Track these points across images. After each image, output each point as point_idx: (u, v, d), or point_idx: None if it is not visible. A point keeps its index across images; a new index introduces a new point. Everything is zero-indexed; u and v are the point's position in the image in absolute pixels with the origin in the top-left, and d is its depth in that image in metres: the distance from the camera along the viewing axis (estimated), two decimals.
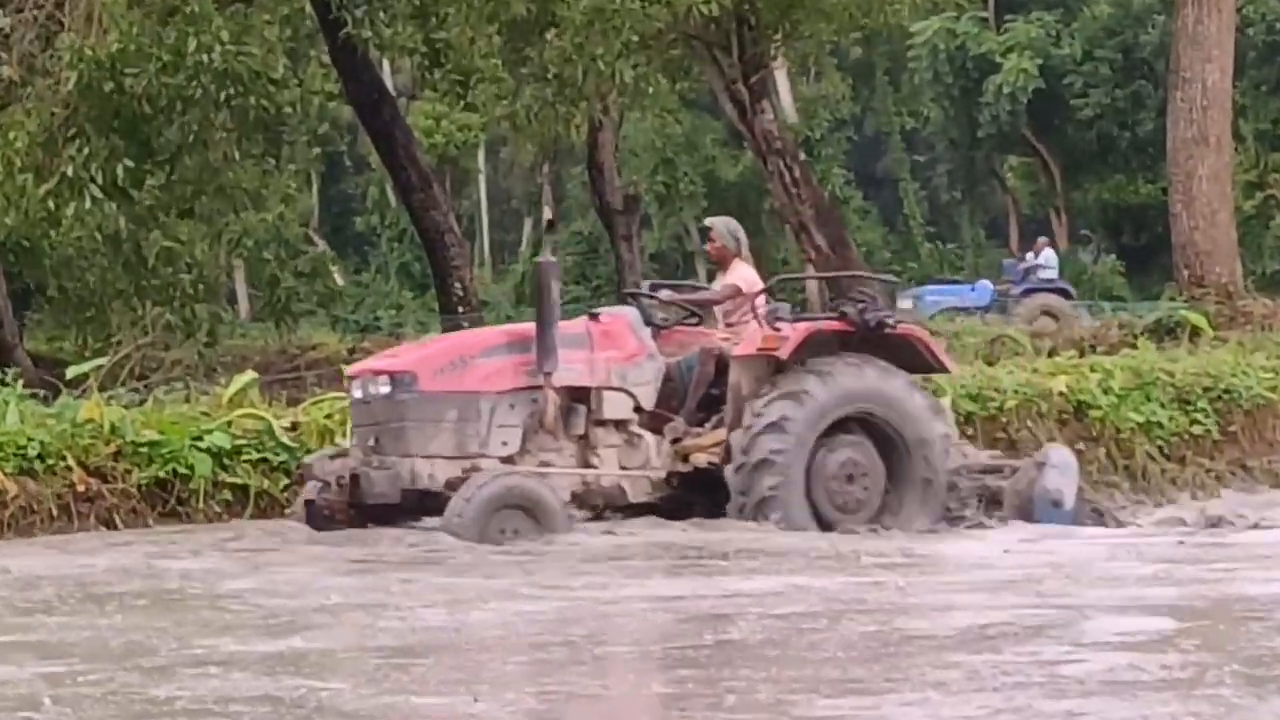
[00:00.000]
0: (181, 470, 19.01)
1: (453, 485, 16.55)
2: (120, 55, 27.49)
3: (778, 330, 17.29)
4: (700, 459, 17.15)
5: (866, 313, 17.47)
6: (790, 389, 16.89)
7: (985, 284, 51.91)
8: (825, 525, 16.73)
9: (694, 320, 18.57)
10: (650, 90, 34.76)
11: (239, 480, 19.13)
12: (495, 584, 14.55)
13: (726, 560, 15.54)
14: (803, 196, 33.94)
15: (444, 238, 33.44)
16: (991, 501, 17.57)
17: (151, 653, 11.62)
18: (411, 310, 50.41)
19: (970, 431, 22.23)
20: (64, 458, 19.04)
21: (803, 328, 17.38)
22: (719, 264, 18.88)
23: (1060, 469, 17.89)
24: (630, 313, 18.24)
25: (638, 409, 17.31)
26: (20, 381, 21.61)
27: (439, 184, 35.21)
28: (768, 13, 31.78)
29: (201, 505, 18.95)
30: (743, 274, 18.27)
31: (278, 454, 19.40)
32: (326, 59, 34.43)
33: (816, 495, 16.79)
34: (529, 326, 17.35)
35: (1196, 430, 23.97)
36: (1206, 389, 24.36)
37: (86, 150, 27.91)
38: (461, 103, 35.14)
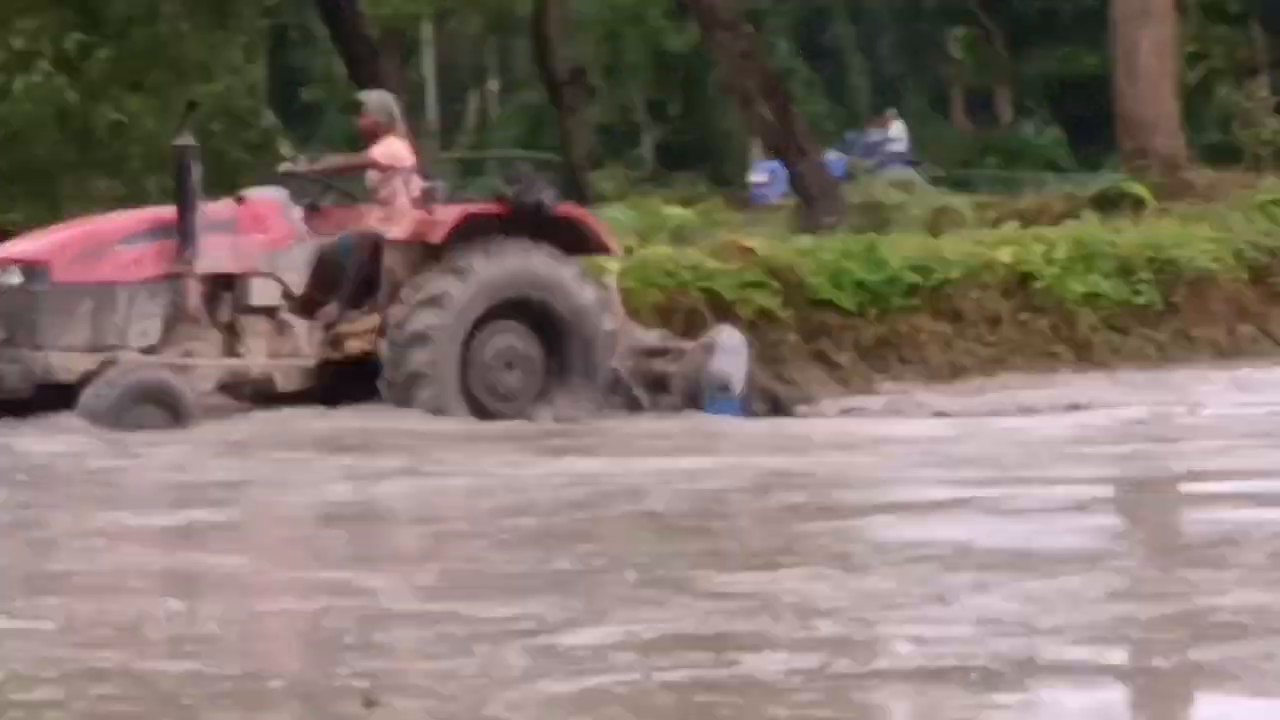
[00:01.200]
0: None
1: (87, 379, 16.60)
2: None
3: (430, 213, 17.58)
4: (354, 345, 17.33)
5: (525, 195, 17.63)
6: (447, 270, 17.09)
7: (833, 157, 50.20)
8: (482, 412, 17.05)
9: (345, 199, 18.70)
10: None
11: None
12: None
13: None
14: (748, 69, 34.23)
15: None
16: (659, 385, 17.92)
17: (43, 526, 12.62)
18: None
19: (916, 302, 23.62)
20: None
21: (456, 209, 17.65)
22: (371, 138, 18.48)
23: (729, 351, 18.17)
24: (279, 194, 18.21)
25: (287, 295, 17.45)
26: None
27: (386, 57, 35.60)
28: None
29: None
30: (391, 149, 18.18)
31: None
32: None
33: (473, 382, 17.08)
34: (170, 211, 17.23)
35: (1139, 301, 24.80)
36: (1149, 260, 25.23)
37: (36, 24, 28.56)
38: None
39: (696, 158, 61.26)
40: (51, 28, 28.75)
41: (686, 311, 22.46)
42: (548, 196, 17.84)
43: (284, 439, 16.32)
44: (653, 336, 19.12)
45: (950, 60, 73.82)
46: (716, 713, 6.99)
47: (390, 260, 17.44)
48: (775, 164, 51.96)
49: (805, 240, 26.25)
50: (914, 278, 24.09)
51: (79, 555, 11.64)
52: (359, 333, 17.43)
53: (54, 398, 16.55)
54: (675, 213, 31.36)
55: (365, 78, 34.33)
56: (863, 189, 39.49)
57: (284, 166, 20.33)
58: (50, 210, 29.03)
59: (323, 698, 7.59)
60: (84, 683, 7.52)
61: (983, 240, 26.77)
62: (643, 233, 27.01)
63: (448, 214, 17.54)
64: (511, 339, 17.45)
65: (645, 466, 14.84)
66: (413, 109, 36.69)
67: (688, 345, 18.59)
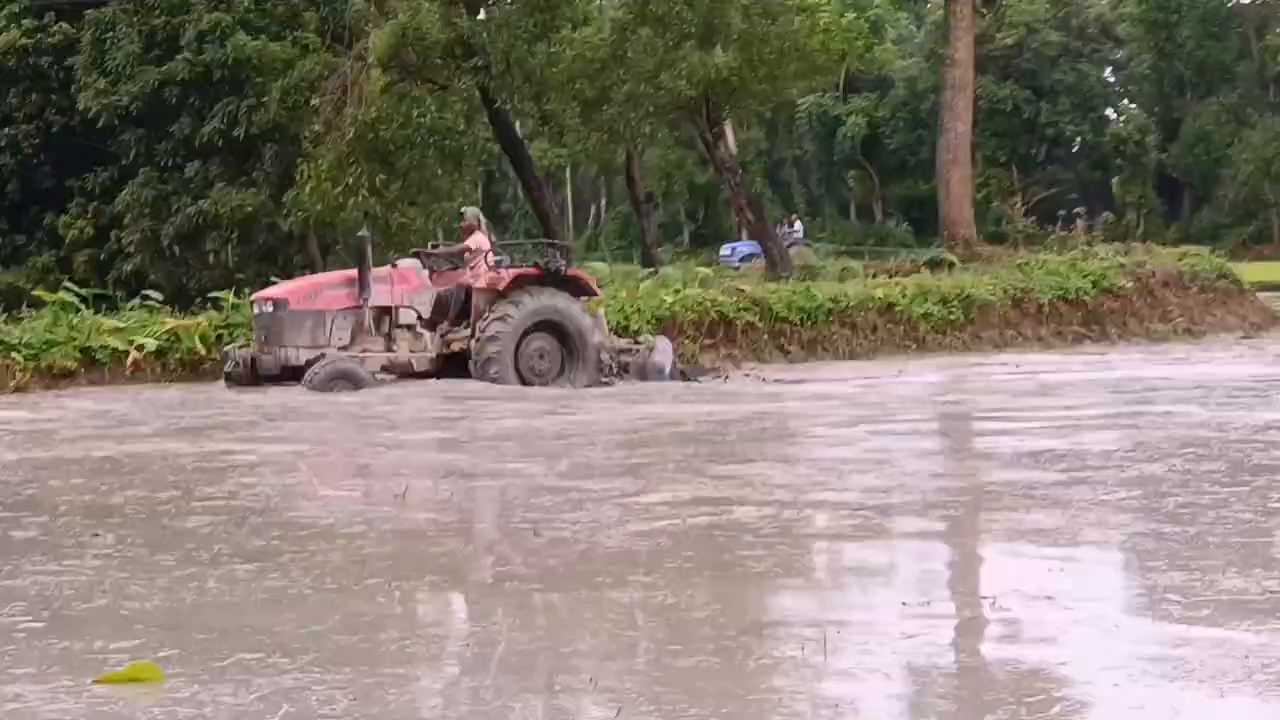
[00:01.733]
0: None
1: (308, 365, 20.16)
2: (377, 120, 35.12)
3: (498, 273, 20.96)
4: (456, 346, 20.90)
5: (550, 264, 21.39)
6: (506, 306, 20.59)
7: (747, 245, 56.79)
8: (526, 383, 20.46)
9: (453, 267, 22.01)
10: (659, 135, 41.90)
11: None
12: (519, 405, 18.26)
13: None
14: (740, 193, 41.47)
15: (549, 216, 39.18)
16: (624, 369, 21.60)
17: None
18: (532, 254, 55.38)
19: (832, 319, 28.31)
20: None
21: (512, 272, 20.99)
22: (467, 233, 22.27)
23: (662, 351, 22.06)
24: (415, 263, 21.99)
25: (419, 318, 21.02)
26: None
27: (546, 186, 41.31)
28: (721, 96, 37.62)
29: None
30: (477, 240, 21.76)
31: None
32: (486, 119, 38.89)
33: (521, 366, 20.58)
34: (354, 272, 21.08)
35: (952, 317, 29.91)
36: (957, 294, 30.22)
37: (359, 170, 35.61)
38: (559, 143, 41.72)
39: (712, 240, 73.45)
40: (367, 172, 35.50)
41: (708, 324, 27.46)
42: (563, 266, 21.42)
43: (435, 393, 19.97)
44: (622, 343, 22.54)
45: (848, 187, 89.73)
46: (717, 539, 8.96)
47: (476, 299, 20.90)
48: (734, 245, 57.88)
49: (771, 285, 30.94)
50: (831, 305, 29.01)
51: (371, 455, 14.08)
52: (459, 339, 20.92)
53: (290, 376, 20.34)
54: (701, 270, 35.64)
55: (535, 199, 40.21)
56: (802, 257, 45.52)
57: (418, 250, 24.28)
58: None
59: (509, 531, 9.70)
60: (374, 528, 9.75)
61: (866, 284, 31.69)
62: (685, 282, 31.04)
63: (508, 274, 20.93)
64: (543, 343, 20.80)
65: (678, 411, 17.75)
66: (560, 215, 42.57)
67: (640, 347, 22.39)
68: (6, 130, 49.99)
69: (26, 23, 50.01)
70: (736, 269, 47.50)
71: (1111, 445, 13.19)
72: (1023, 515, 9.46)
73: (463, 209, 24.82)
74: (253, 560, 8.37)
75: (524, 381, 20.46)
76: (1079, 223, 49.54)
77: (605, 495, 10.56)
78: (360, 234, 22.63)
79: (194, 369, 23.00)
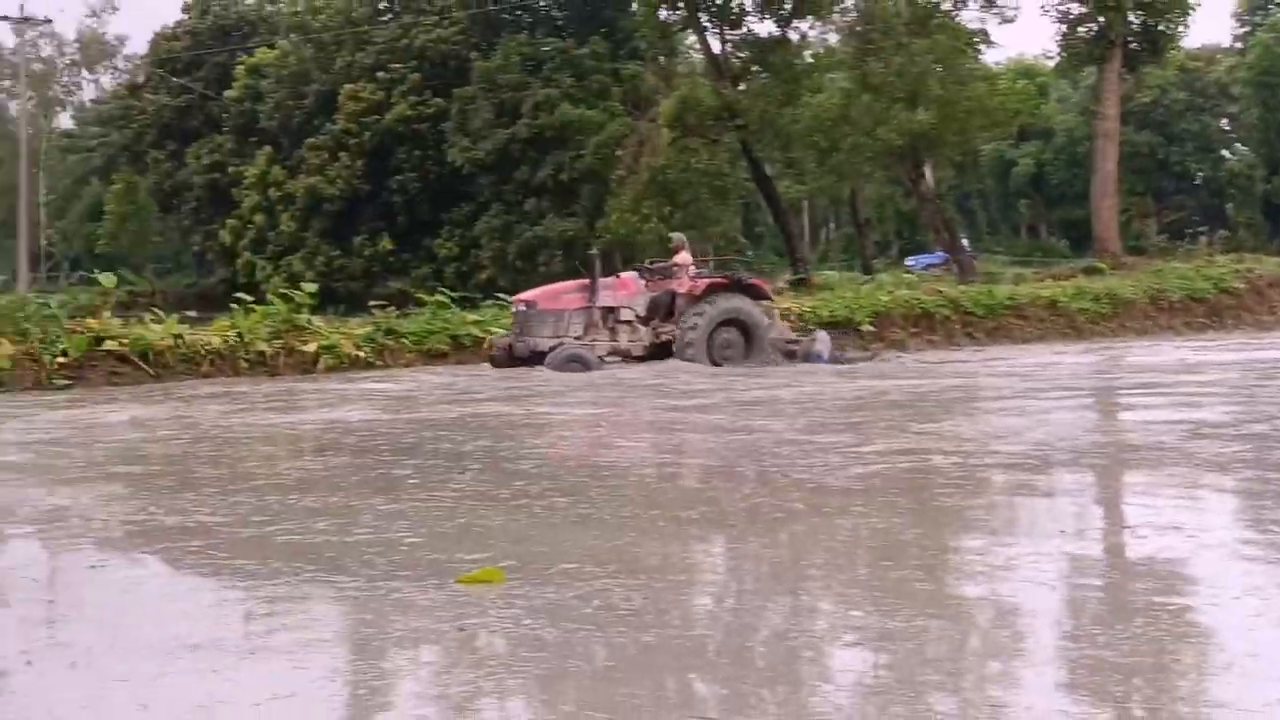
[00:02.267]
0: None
1: (549, 351, 20.00)
2: (664, 166, 35.96)
3: (696, 282, 20.67)
4: (665, 337, 20.56)
5: (735, 275, 21.21)
6: (702, 306, 20.25)
7: (939, 253, 54.04)
8: (715, 364, 19.91)
9: (663, 277, 21.60)
10: (875, 175, 41.74)
11: None
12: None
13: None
14: (937, 218, 41.48)
15: (792, 235, 39.31)
16: (790, 355, 20.97)
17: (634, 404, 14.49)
18: (779, 265, 52.06)
19: (1009, 313, 27.86)
20: None
21: (705, 282, 20.61)
22: (676, 251, 21.69)
23: (821, 342, 21.27)
24: (634, 274, 21.67)
25: (636, 316, 20.67)
26: None
27: (789, 213, 41.72)
28: (922, 146, 37.66)
29: None
30: (683, 257, 21.32)
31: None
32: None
33: (713, 351, 20.09)
34: (586, 280, 20.79)
35: (1102, 311, 29.34)
36: (1107, 294, 29.93)
37: (651, 203, 36.81)
38: (800, 181, 41.39)
39: (915, 254, 71.61)
40: (657, 207, 36.45)
41: (914, 317, 27.38)
42: (745, 277, 21.20)
43: (694, 370, 19.54)
44: (790, 334, 21.83)
45: (1020, 213, 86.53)
46: (918, 480, 8.71)
47: (679, 302, 20.65)
48: (916, 258, 56.67)
49: (962, 286, 31.05)
50: (1008, 302, 28.84)
51: (652, 416, 13.85)
52: (666, 331, 20.60)
53: (538, 359, 19.99)
54: (907, 277, 36.32)
55: (782, 223, 39.99)
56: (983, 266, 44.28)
57: (637, 265, 24.03)
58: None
59: (759, 473, 9.37)
60: (659, 470, 9.79)
61: (1035, 286, 31.39)
62: (895, 285, 31.16)
63: (703, 283, 20.71)
64: (729, 334, 20.31)
65: (885, 384, 16.53)
66: (800, 235, 42.65)
67: (804, 339, 21.64)
68: (397, 178, 51.60)
69: (411, 98, 51.34)
70: (915, 274, 46.00)
71: (1231, 411, 12.62)
72: (1156, 465, 9.08)
73: (671, 234, 23.99)
74: (568, 494, 8.35)
75: (714, 363, 20.03)
76: (1201, 239, 48.13)
77: (832, 446, 10.32)
78: (590, 253, 22.24)
79: None
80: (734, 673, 4.61)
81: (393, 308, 24.62)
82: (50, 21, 66.57)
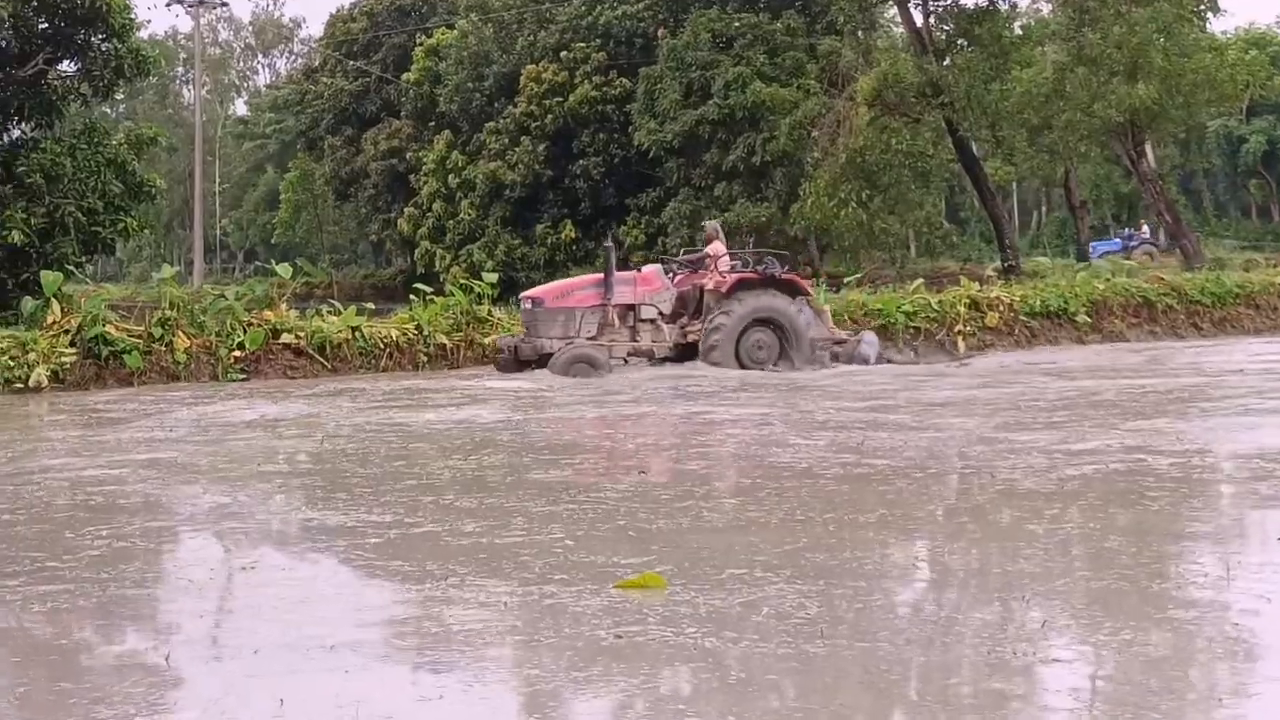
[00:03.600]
0: None
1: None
2: (863, 147, 35.16)
3: (724, 277, 19.89)
4: (692, 337, 19.87)
5: (767, 270, 20.28)
6: (730, 304, 19.52)
7: (1116, 240, 54.27)
8: (745, 369, 19.19)
9: (693, 270, 20.91)
10: (1091, 154, 40.24)
11: None
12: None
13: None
14: (1160, 200, 40.66)
15: (1000, 220, 38.18)
16: (835, 358, 20.30)
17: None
18: (986, 252, 54.07)
19: (1238, 301, 27.03)
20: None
21: (734, 277, 19.89)
22: (708, 242, 20.97)
23: (867, 343, 20.76)
24: (657, 267, 21.11)
25: (660, 314, 20.01)
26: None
27: (997, 197, 40.00)
28: (1143, 121, 37.25)
29: None
30: (715, 248, 20.62)
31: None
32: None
33: (742, 354, 19.41)
34: (600, 275, 20.15)
35: None
36: None
37: (849, 187, 35.88)
38: (1009, 161, 38.57)
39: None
40: (855, 190, 35.58)
41: (1134, 306, 26.45)
42: (778, 271, 20.32)
43: (880, 372, 19.51)
44: (839, 334, 21.04)
45: (1250, 194, 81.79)
46: (1126, 482, 8.49)
47: (707, 299, 19.92)
48: (1094, 244, 51.57)
49: (1187, 274, 29.97)
50: (1238, 290, 27.98)
51: (824, 416, 12.15)
52: (695, 331, 19.89)
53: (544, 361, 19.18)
54: (1124, 264, 33.48)
55: (989, 207, 38.71)
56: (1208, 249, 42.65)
57: (664, 258, 24.31)
58: (854, 265, 37.87)
59: (947, 474, 9.45)
60: (839, 470, 9.52)
61: (1268, 273, 30.95)
62: (1114, 272, 29.55)
63: (732, 278, 19.92)
64: (763, 335, 19.53)
65: (1095, 384, 15.00)
66: (1009, 220, 41.39)
67: (852, 338, 20.93)
68: (580, 162, 52.24)
69: (596, 79, 51.98)
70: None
71: None
72: None
73: (704, 222, 23.52)
74: (737, 495, 8.38)
75: (743, 367, 19.41)
76: None
77: (1030, 445, 10.22)
78: (605, 245, 21.61)
79: None
80: (910, 691, 4.58)
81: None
82: (226, 4, 68.67)
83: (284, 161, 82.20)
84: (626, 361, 19.58)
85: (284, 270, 22.64)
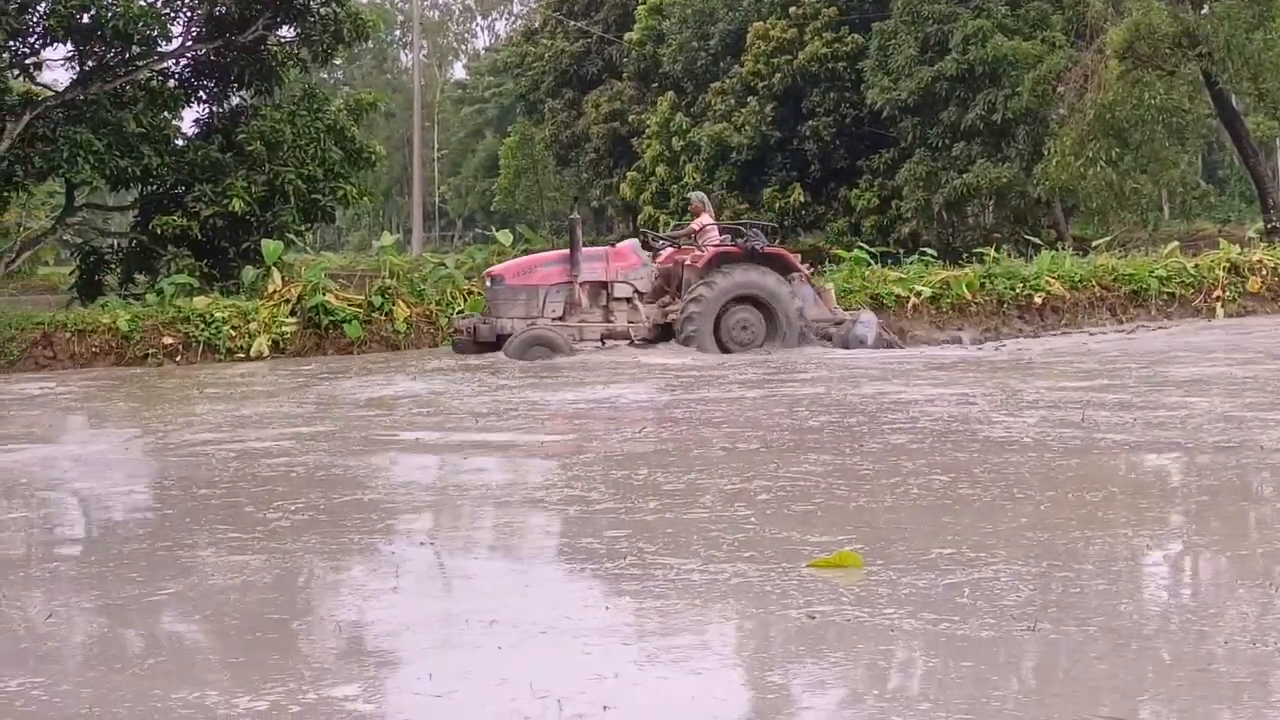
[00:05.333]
0: None
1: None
2: (1113, 102, 34.62)
3: (703, 252, 19.31)
4: (672, 317, 19.22)
5: (748, 243, 19.55)
6: (708, 280, 18.88)
7: None
8: (726, 351, 18.64)
9: (676, 246, 20.45)
10: None
11: None
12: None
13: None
14: (1260, 161, 37.76)
15: (1263, 180, 36.82)
16: (826, 338, 19.51)
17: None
18: (1247, 213, 50.07)
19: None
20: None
21: (711, 251, 19.28)
22: (695, 215, 20.51)
23: (865, 323, 19.91)
24: (634, 242, 20.64)
25: (637, 292, 19.49)
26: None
27: (1262, 155, 38.35)
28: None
29: None
30: (702, 220, 20.17)
31: None
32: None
33: (723, 336, 18.78)
34: (568, 251, 19.65)
35: None
36: None
37: (1097, 145, 34.88)
38: (1274, 116, 37.59)
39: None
40: (1104, 146, 34.99)
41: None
42: (760, 244, 19.53)
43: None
44: (842, 314, 20.19)
45: None
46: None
47: (686, 274, 19.40)
48: None
49: None
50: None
51: (1034, 395, 12.04)
52: (675, 311, 19.25)
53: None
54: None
55: (1251, 165, 37.53)
56: None
57: (642, 231, 23.03)
58: (1103, 227, 36.87)
59: (1194, 451, 9.06)
60: (1061, 446, 9.34)
61: None
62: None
63: (709, 253, 19.27)
64: (746, 314, 18.98)
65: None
66: (1273, 179, 37.12)
67: (849, 318, 20.06)
68: (810, 123, 51.97)
69: (826, 35, 51.63)
70: None
71: None
72: None
73: (689, 193, 23.01)
74: (946, 471, 8.27)
75: (725, 349, 18.83)
76: None
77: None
78: (571, 217, 21.13)
79: (961, 311, 22.70)
80: (1124, 683, 4.48)
81: (808, 265, 24.51)
82: None
83: (503, 126, 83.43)
84: (604, 344, 19.12)
85: (504, 237, 23.26)
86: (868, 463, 8.74)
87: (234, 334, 20.00)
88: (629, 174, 60.09)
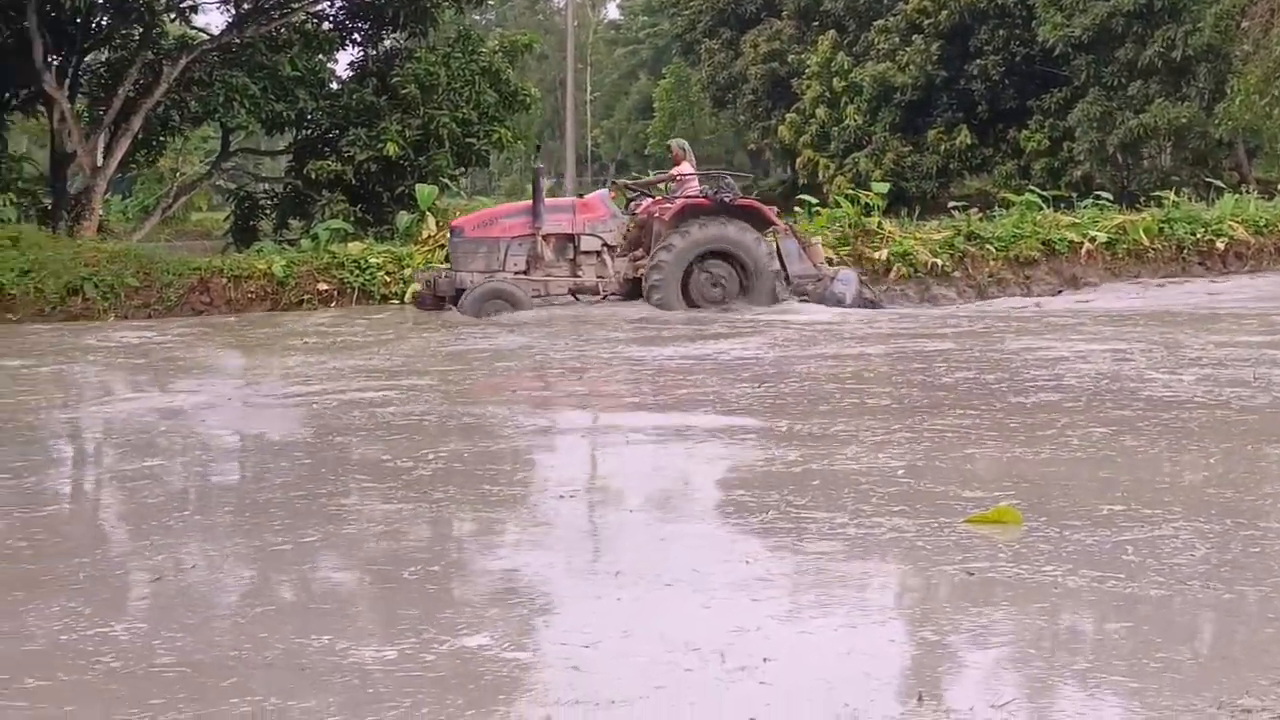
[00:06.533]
0: None
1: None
2: None
3: (670, 204, 18.97)
4: (641, 272, 18.84)
5: (719, 194, 19.01)
6: (676, 233, 18.46)
7: None
8: (695, 308, 18.27)
9: (647, 196, 20.18)
10: None
11: None
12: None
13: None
14: None
15: None
16: (802, 295, 18.88)
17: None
18: None
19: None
20: None
21: (680, 203, 18.87)
22: (675, 163, 19.97)
23: (843, 280, 19.30)
24: (602, 193, 20.33)
25: (606, 245, 19.05)
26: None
27: None
28: None
29: None
30: (681, 169, 19.70)
31: None
32: None
33: (692, 292, 18.36)
34: (529, 203, 19.33)
35: None
36: None
37: None
38: None
39: None
40: None
41: None
42: (730, 195, 19.02)
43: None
44: (829, 271, 19.58)
45: None
46: None
47: (657, 227, 18.91)
48: None
49: None
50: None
51: (1205, 348, 11.94)
52: (645, 264, 18.83)
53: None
54: None
55: None
56: None
57: (619, 181, 23.35)
58: None
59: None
60: (1233, 403, 9.27)
61: None
62: None
63: (677, 204, 18.87)
64: (719, 269, 18.54)
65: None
66: None
67: (828, 272, 19.44)
68: (977, 61, 51.36)
69: None
70: None
71: None
72: None
73: (669, 141, 22.02)
74: (1107, 425, 8.16)
75: (694, 306, 18.32)
76: None
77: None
78: (534, 165, 20.85)
79: (1139, 258, 22.21)
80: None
81: (974, 209, 24.29)
82: None
83: (658, 68, 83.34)
84: (578, 299, 18.87)
85: None
86: (1015, 418, 8.60)
87: (388, 280, 20.30)
88: (788, 116, 59.77)
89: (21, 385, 12.24)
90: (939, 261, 21.52)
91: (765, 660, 4.26)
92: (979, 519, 5.91)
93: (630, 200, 20.02)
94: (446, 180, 25.63)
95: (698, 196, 19.07)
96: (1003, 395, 9.72)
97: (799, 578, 5.31)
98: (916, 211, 27.64)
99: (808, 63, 58.26)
